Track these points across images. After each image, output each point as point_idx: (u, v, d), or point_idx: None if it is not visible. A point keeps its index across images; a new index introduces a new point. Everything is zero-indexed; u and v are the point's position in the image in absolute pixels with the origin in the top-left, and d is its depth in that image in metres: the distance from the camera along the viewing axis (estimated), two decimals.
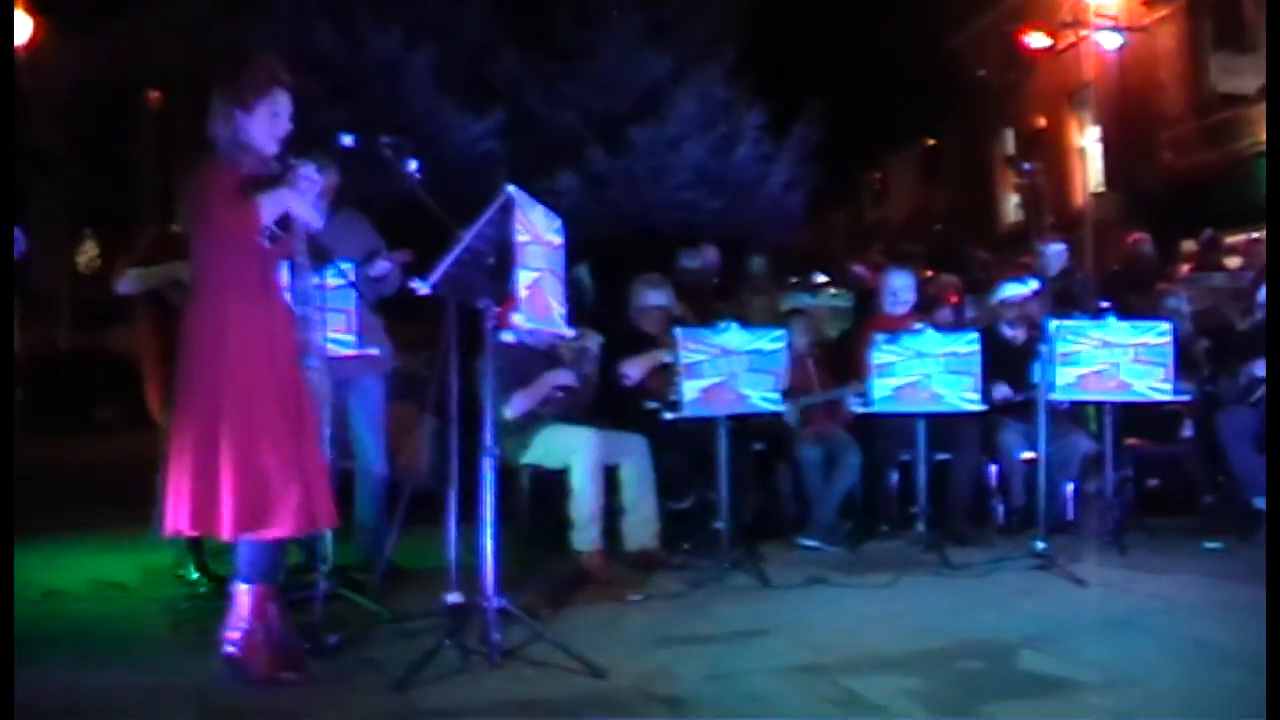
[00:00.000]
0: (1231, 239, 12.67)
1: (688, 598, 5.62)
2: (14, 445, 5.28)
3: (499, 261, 4.42)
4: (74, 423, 17.45)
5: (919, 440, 6.75)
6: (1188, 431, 7.74)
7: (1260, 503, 6.84)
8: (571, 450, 6.10)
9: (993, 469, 7.33)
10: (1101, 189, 21.48)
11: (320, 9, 14.11)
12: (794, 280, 13.76)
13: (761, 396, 6.31)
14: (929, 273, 10.94)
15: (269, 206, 4.07)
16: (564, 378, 6.37)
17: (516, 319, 4.44)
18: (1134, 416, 7.05)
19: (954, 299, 9.12)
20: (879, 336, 6.78)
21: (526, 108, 14.73)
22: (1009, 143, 24.83)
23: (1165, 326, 6.65)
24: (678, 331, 6.26)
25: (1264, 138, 17.20)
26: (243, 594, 4.19)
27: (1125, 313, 6.98)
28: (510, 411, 6.09)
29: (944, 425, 6.86)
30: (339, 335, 5.40)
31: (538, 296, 4.60)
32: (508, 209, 4.44)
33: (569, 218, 5.08)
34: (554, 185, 13.55)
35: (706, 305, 8.09)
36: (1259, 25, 17.49)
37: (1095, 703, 3.86)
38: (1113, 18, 19.95)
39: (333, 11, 14.12)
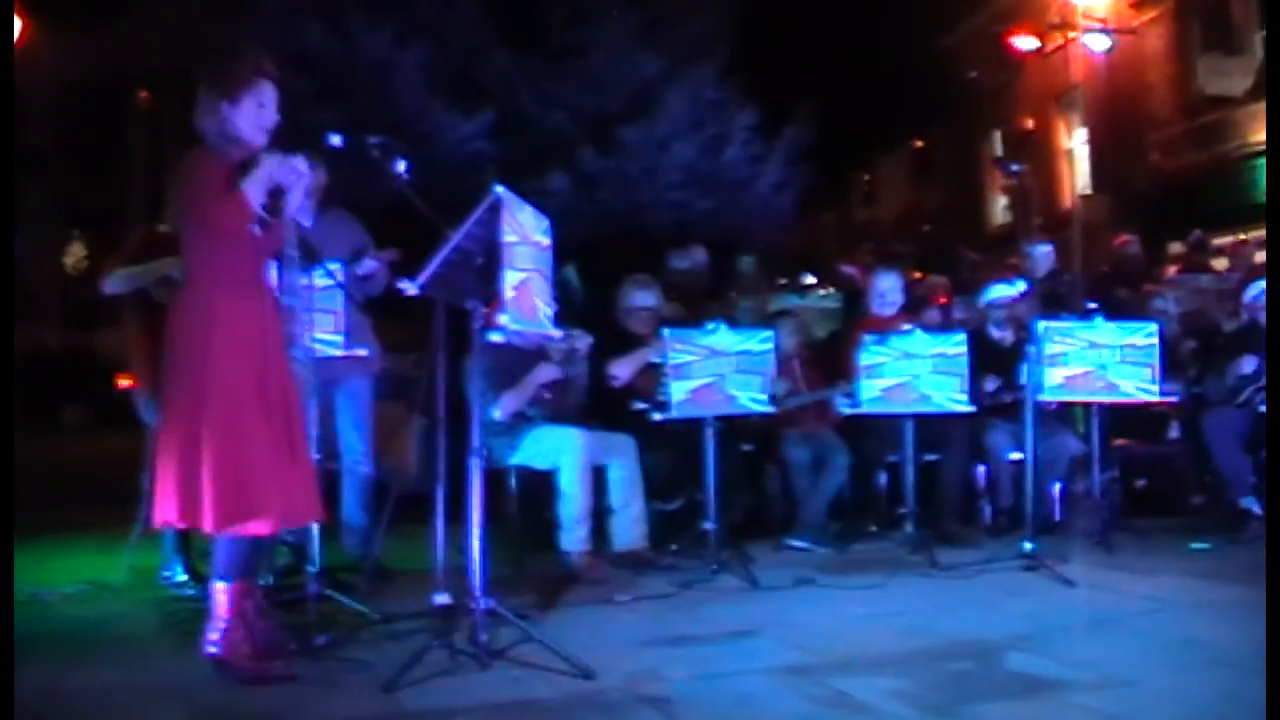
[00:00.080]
0: (1219, 241, 12.70)
1: (676, 598, 5.62)
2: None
3: (487, 262, 4.41)
4: (41, 424, 17.41)
5: (907, 441, 6.76)
6: (1175, 432, 7.77)
7: (1247, 503, 6.87)
8: (560, 451, 6.10)
9: (981, 470, 7.35)
10: (1089, 190, 21.52)
11: (310, 8, 14.06)
12: (783, 281, 13.77)
13: (750, 397, 6.32)
14: (918, 274, 10.98)
15: (255, 187, 4.07)
16: (549, 372, 6.36)
17: (502, 319, 4.43)
18: (1121, 417, 7.08)
19: (942, 299, 9.15)
20: (867, 337, 6.79)
21: (517, 108, 14.70)
22: (997, 144, 24.86)
23: (1152, 327, 6.68)
24: (666, 332, 6.26)
25: (1252, 139, 17.29)
26: (220, 592, 4.19)
27: (1113, 314, 7.00)
28: (499, 412, 6.09)
29: (932, 426, 6.87)
30: (327, 335, 5.39)
31: (524, 297, 4.60)
32: (496, 209, 4.43)
33: (559, 218, 5.08)
34: (544, 185, 13.51)
35: (695, 306, 8.09)
36: (1247, 28, 17.55)
37: (1083, 702, 3.86)
38: (1101, 20, 19.99)
39: (323, 11, 14.09)
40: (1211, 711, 3.80)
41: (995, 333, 7.58)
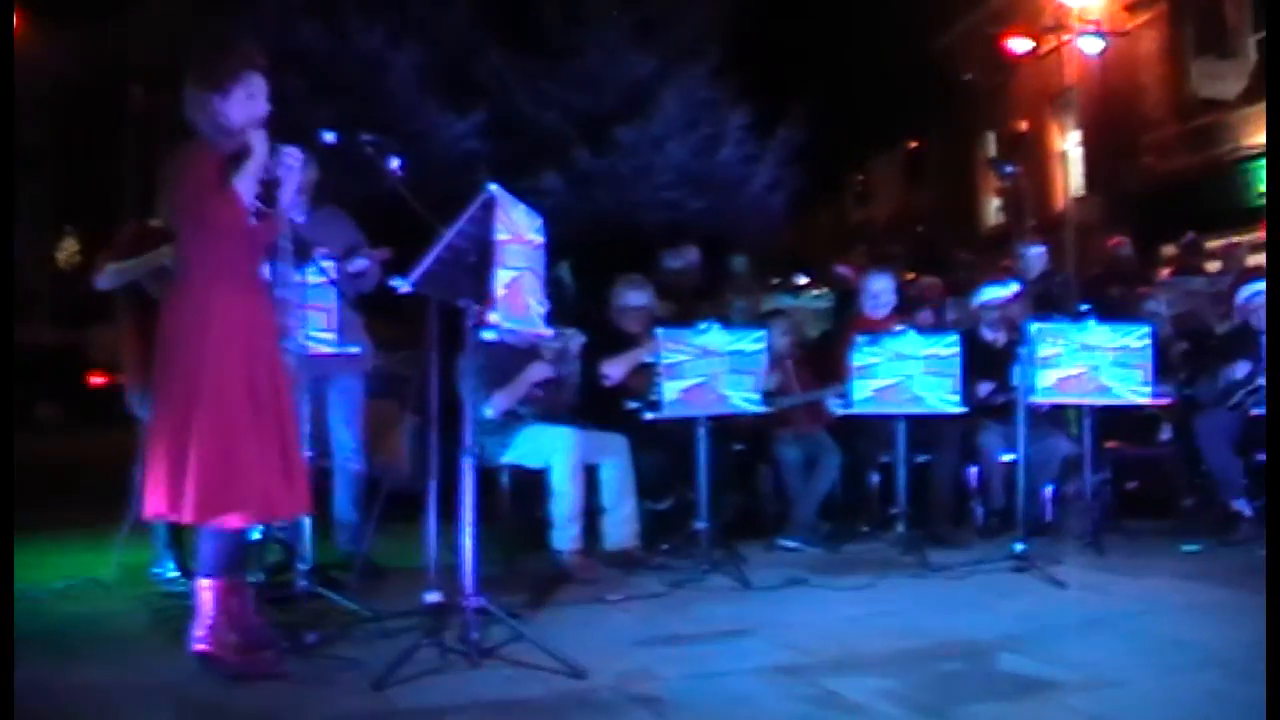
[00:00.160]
0: (1211, 244, 12.72)
1: (667, 598, 5.62)
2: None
3: (480, 260, 4.41)
4: (15, 421, 17.34)
5: (899, 442, 6.76)
6: (1166, 434, 7.77)
7: (1238, 505, 6.88)
8: (552, 449, 6.10)
9: (973, 471, 7.35)
10: (1083, 192, 21.54)
11: (304, 6, 14.06)
12: (775, 281, 13.78)
13: (742, 397, 6.33)
14: (911, 275, 10.98)
15: (248, 179, 4.08)
16: (542, 371, 6.36)
17: (493, 317, 4.43)
18: (1113, 419, 7.08)
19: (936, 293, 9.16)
20: (860, 338, 6.79)
21: (511, 106, 14.71)
22: (991, 145, 24.89)
23: (1145, 329, 6.68)
24: (659, 331, 6.26)
25: (1245, 143, 17.31)
26: (204, 589, 4.19)
27: (1105, 315, 7.01)
28: (491, 410, 6.08)
29: (924, 427, 6.87)
30: (319, 332, 5.39)
31: (516, 295, 4.59)
32: (489, 207, 4.43)
33: (552, 216, 5.07)
34: (538, 184, 13.52)
35: (688, 305, 8.09)
36: (1240, 31, 17.56)
37: (1074, 703, 3.87)
38: (1095, 22, 19.99)
39: (317, 8, 14.08)
40: (1201, 713, 3.80)
41: (988, 334, 7.58)
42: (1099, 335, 6.59)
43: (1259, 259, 11.72)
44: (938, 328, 7.95)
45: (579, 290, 8.72)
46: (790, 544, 6.89)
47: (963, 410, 6.71)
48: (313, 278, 5.27)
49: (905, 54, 23.89)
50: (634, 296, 7.12)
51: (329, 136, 4.68)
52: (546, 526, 6.11)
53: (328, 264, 5.39)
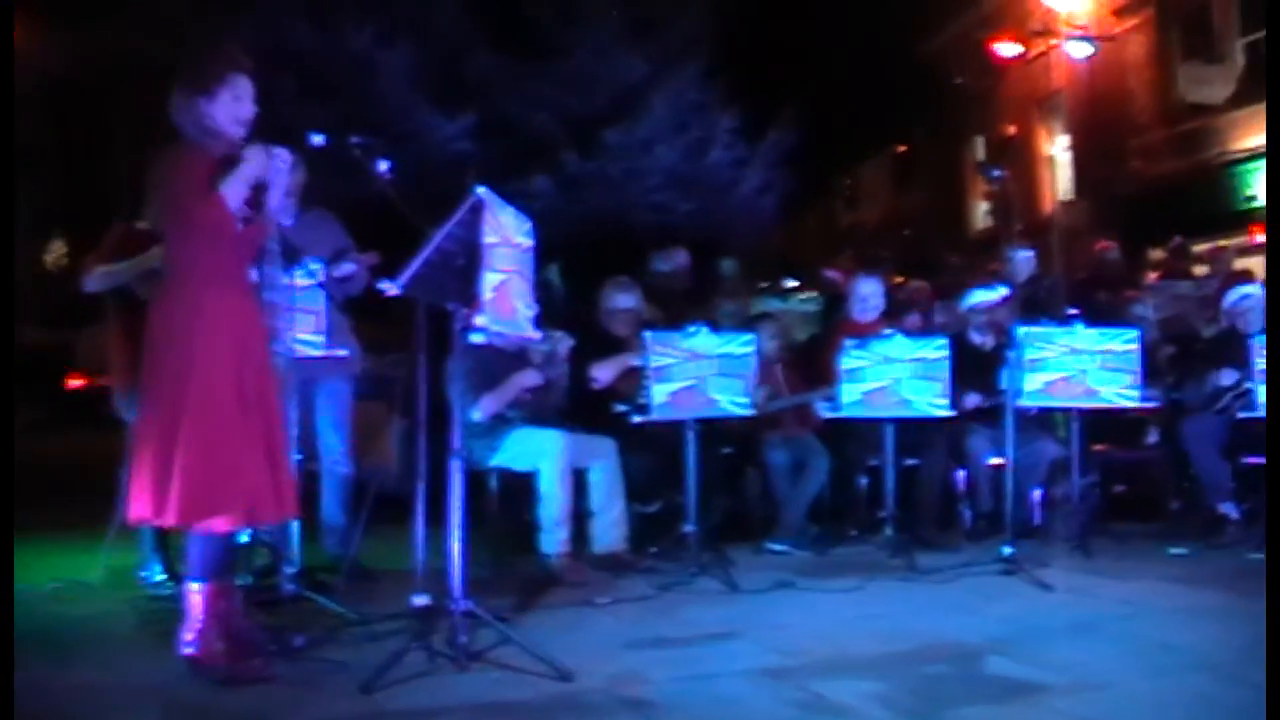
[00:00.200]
0: (1199, 248, 12.75)
1: (656, 601, 5.62)
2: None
3: (468, 263, 4.40)
4: None
5: (887, 445, 6.77)
6: (1153, 437, 7.79)
7: (1225, 508, 6.91)
8: (540, 453, 6.09)
9: (960, 474, 7.36)
10: (1071, 196, 21.59)
11: (294, 7, 14.04)
12: (764, 284, 13.79)
13: (730, 400, 6.33)
14: (899, 279, 11.00)
15: (237, 185, 4.07)
16: (532, 379, 6.36)
17: (479, 320, 4.43)
18: (1101, 422, 7.09)
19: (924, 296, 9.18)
20: (848, 341, 6.80)
21: (500, 108, 14.70)
22: (980, 150, 24.94)
23: (1132, 333, 6.70)
24: (647, 335, 6.26)
25: (1232, 147, 17.37)
26: (194, 593, 4.17)
27: (1093, 319, 7.02)
28: (478, 413, 6.08)
29: (912, 430, 6.89)
30: (307, 335, 5.38)
31: (503, 299, 4.59)
32: (477, 210, 4.43)
33: (541, 219, 5.07)
34: (527, 186, 13.52)
35: (676, 308, 8.09)
36: (1227, 36, 17.62)
37: (1061, 706, 3.88)
38: (1083, 27, 20.04)
39: (307, 8, 14.05)
40: (1188, 716, 3.81)
41: (976, 337, 7.59)
42: (1087, 339, 6.61)
43: (1246, 263, 11.79)
44: (926, 331, 7.96)
45: (568, 293, 8.71)
46: (778, 547, 6.89)
47: (951, 414, 6.73)
48: (301, 280, 5.26)
49: (894, 58, 23.93)
50: (623, 299, 7.12)
51: (317, 139, 4.67)
52: (535, 530, 6.10)
53: (316, 266, 5.38)
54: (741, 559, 6.50)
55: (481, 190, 4.46)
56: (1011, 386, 6.43)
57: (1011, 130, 23.43)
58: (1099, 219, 19.35)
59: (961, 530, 7.28)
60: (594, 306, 7.24)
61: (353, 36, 14.09)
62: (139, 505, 4.13)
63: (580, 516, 6.29)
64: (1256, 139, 16.33)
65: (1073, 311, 7.06)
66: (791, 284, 15.03)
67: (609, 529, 6.34)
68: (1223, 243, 13.40)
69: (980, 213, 25.10)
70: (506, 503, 6.34)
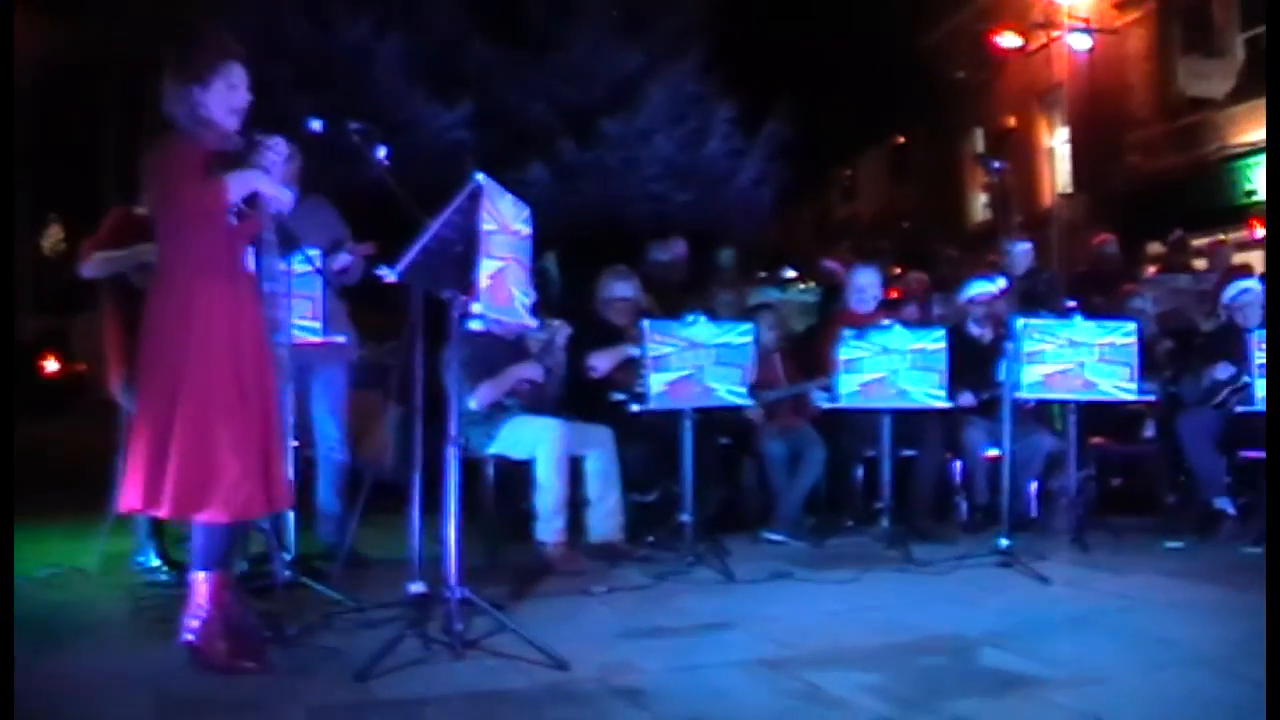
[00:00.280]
0: (1197, 242, 12.75)
1: (651, 590, 5.62)
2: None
3: (466, 250, 4.39)
4: None
5: (884, 436, 6.77)
6: (1150, 431, 7.79)
7: (1221, 503, 6.90)
8: (537, 441, 6.08)
9: (957, 466, 7.36)
10: (1069, 189, 21.59)
11: None
12: (762, 275, 13.77)
13: (728, 390, 6.32)
14: (897, 270, 10.99)
15: (236, 186, 4.04)
16: (530, 371, 6.35)
17: (475, 308, 4.41)
18: (1097, 416, 7.09)
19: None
20: (846, 332, 6.79)
21: (497, 98, 14.67)
22: (979, 142, 24.92)
23: (1130, 326, 6.70)
24: (645, 324, 6.25)
25: (1231, 142, 17.38)
26: (200, 582, 4.15)
27: (1091, 313, 7.02)
28: (476, 401, 6.07)
29: (909, 421, 6.89)
30: (304, 321, 5.37)
31: (499, 286, 4.57)
32: (476, 197, 4.41)
33: (538, 208, 5.05)
34: (524, 176, 13.49)
35: (674, 298, 8.09)
36: (1228, 31, 17.62)
37: (1057, 700, 3.87)
38: (1084, 19, 20.04)
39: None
40: (1184, 709, 3.80)
41: (974, 329, 7.59)
42: (1085, 332, 6.60)
43: (1245, 257, 11.78)
44: (924, 323, 7.95)
45: (565, 283, 8.70)
46: (775, 537, 6.89)
47: (948, 405, 6.72)
48: (298, 267, 5.25)
49: (893, 50, 23.90)
50: (620, 288, 7.12)
51: (315, 124, 4.65)
52: (531, 518, 6.09)
53: (314, 253, 5.36)
54: (737, 549, 6.49)
55: (480, 177, 4.44)
56: (1009, 379, 6.42)
57: (1011, 122, 23.43)
58: (1098, 212, 19.36)
59: (958, 522, 7.29)
60: (591, 296, 7.23)
61: (349, 26, 14.05)
62: (130, 496, 4.11)
63: (576, 505, 6.28)
64: (1256, 134, 16.35)
65: (1071, 304, 7.05)
66: (790, 274, 15.00)
67: (605, 518, 6.33)
68: (1222, 237, 13.39)
69: (978, 205, 25.11)
70: (502, 491, 6.33)
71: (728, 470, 7.37)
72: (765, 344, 7.27)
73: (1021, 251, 8.89)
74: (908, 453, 7.16)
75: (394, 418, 6.64)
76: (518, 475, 6.20)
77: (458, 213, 4.37)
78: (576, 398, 6.81)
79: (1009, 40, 21.44)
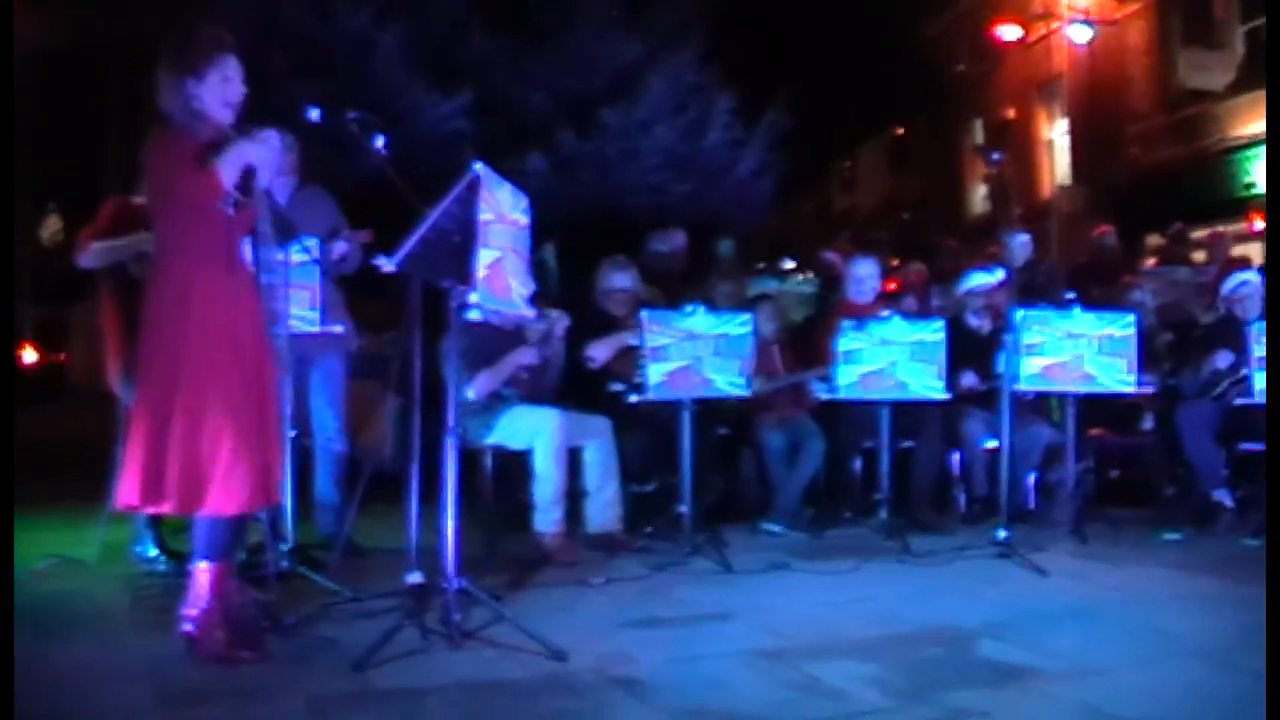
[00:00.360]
0: (1197, 234, 12.75)
1: (649, 581, 5.62)
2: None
3: (464, 240, 4.38)
4: None
5: (883, 427, 6.76)
6: (1148, 423, 7.79)
7: (1219, 495, 6.91)
8: (535, 432, 6.08)
9: (956, 457, 7.36)
10: (1069, 181, 21.57)
11: None
12: (761, 266, 13.77)
13: (727, 381, 6.32)
14: (895, 261, 10.99)
15: (229, 167, 4.03)
16: (528, 356, 6.34)
17: (472, 297, 4.41)
18: (1095, 408, 7.09)
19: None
20: (845, 323, 6.78)
21: (497, 88, 14.64)
22: (978, 133, 24.90)
23: (1130, 318, 6.69)
24: (644, 314, 6.25)
25: (1230, 134, 17.36)
26: (201, 572, 4.15)
27: (1090, 304, 7.01)
28: (474, 392, 6.06)
29: (908, 413, 6.88)
30: (302, 310, 5.36)
31: (497, 276, 4.56)
32: (475, 187, 4.40)
33: (538, 199, 5.04)
34: (523, 166, 13.46)
35: (673, 289, 8.08)
36: (1228, 23, 17.60)
37: (1055, 690, 3.87)
38: (1084, 11, 20.01)
39: None
40: (1182, 701, 3.80)
41: (973, 321, 7.59)
42: (1084, 323, 6.60)
43: (1244, 249, 11.76)
44: (923, 314, 7.95)
45: (564, 273, 8.69)
46: (773, 528, 6.89)
47: (946, 397, 6.72)
48: (296, 256, 5.24)
49: (893, 41, 23.87)
50: (619, 279, 7.11)
51: (314, 113, 4.64)
52: (529, 509, 6.09)
53: (311, 242, 5.35)
54: (736, 540, 6.49)
55: (479, 166, 4.43)
56: (1008, 370, 6.42)
57: (1011, 114, 23.41)
58: (1097, 204, 19.34)
59: (956, 514, 7.30)
60: (590, 286, 7.22)
61: (349, 16, 14.01)
62: (128, 492, 4.09)
63: (575, 496, 6.29)
64: (1256, 126, 16.33)
65: (1070, 296, 7.04)
66: (789, 265, 14.99)
67: (603, 509, 6.33)
68: (1221, 229, 13.38)
69: (978, 197, 25.08)
70: (501, 482, 6.33)
71: (726, 461, 7.36)
72: (764, 335, 7.26)
73: (1020, 243, 8.89)
74: (906, 444, 7.16)
75: (392, 408, 6.64)
76: (516, 466, 6.20)
77: (456, 202, 4.36)
78: (575, 388, 6.80)
79: (1009, 32, 21.41)
